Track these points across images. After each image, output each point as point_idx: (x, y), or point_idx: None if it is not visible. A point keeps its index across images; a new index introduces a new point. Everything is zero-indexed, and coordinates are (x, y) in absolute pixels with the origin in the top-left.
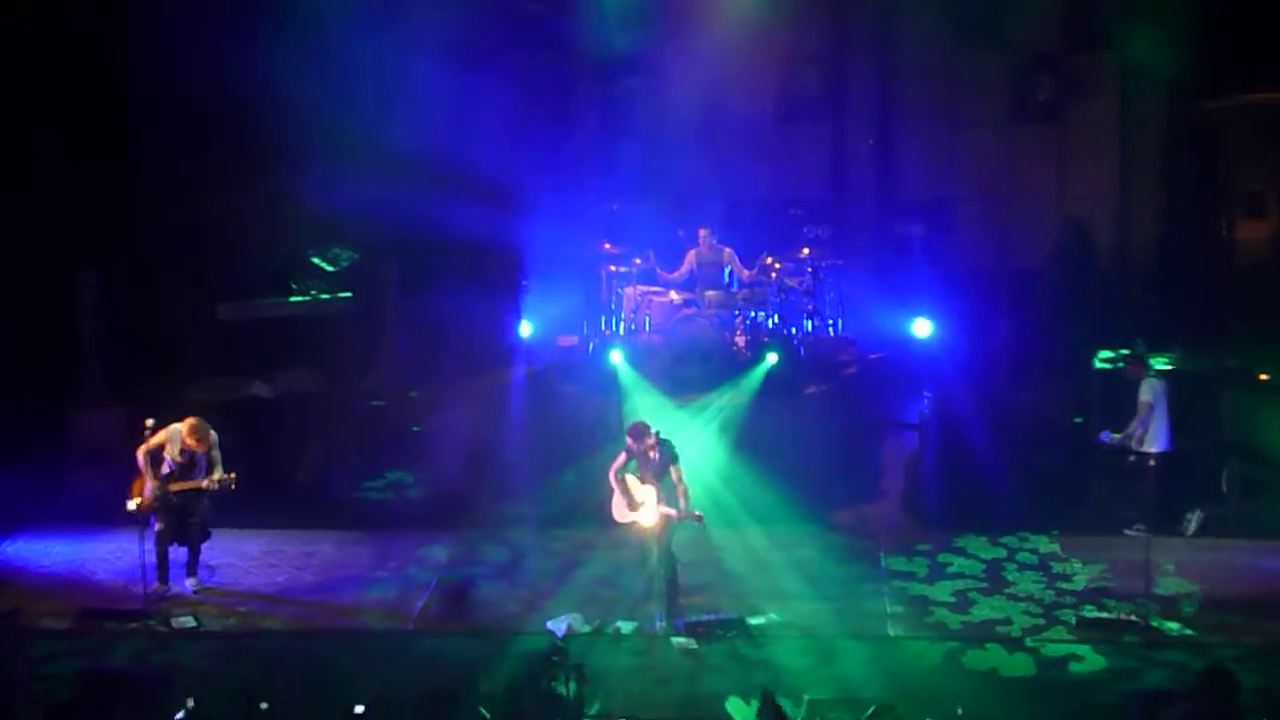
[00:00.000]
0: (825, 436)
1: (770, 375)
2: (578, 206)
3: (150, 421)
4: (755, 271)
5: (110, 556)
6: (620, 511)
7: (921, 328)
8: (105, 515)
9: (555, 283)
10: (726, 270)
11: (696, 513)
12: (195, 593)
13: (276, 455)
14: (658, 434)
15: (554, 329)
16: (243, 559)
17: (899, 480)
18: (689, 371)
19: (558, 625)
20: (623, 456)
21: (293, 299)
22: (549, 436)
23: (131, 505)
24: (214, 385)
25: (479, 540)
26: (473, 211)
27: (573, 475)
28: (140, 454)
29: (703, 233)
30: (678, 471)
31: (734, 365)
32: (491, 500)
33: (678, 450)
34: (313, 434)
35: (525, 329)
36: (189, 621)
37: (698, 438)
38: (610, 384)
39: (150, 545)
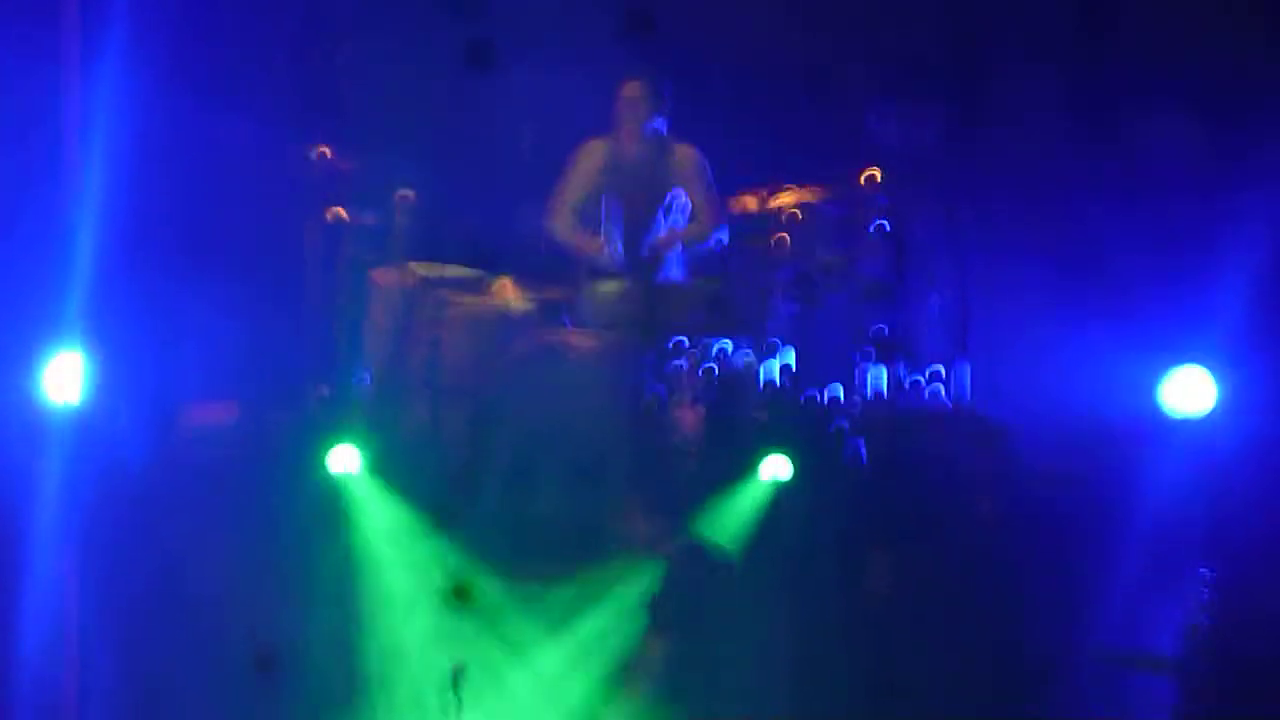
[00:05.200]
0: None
1: (773, 520)
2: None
3: None
4: (723, 215)
5: None
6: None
7: (1187, 393)
8: None
9: (180, 259)
10: (665, 208)
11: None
12: None
13: None
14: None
15: (178, 385)
16: None
17: None
18: (547, 504)
19: None
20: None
21: None
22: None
23: None
24: None
25: None
26: None
27: None
28: None
29: (630, 89)
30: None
31: (672, 488)
32: None
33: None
34: None
35: (60, 383)
36: None
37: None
38: (325, 533)
39: None
